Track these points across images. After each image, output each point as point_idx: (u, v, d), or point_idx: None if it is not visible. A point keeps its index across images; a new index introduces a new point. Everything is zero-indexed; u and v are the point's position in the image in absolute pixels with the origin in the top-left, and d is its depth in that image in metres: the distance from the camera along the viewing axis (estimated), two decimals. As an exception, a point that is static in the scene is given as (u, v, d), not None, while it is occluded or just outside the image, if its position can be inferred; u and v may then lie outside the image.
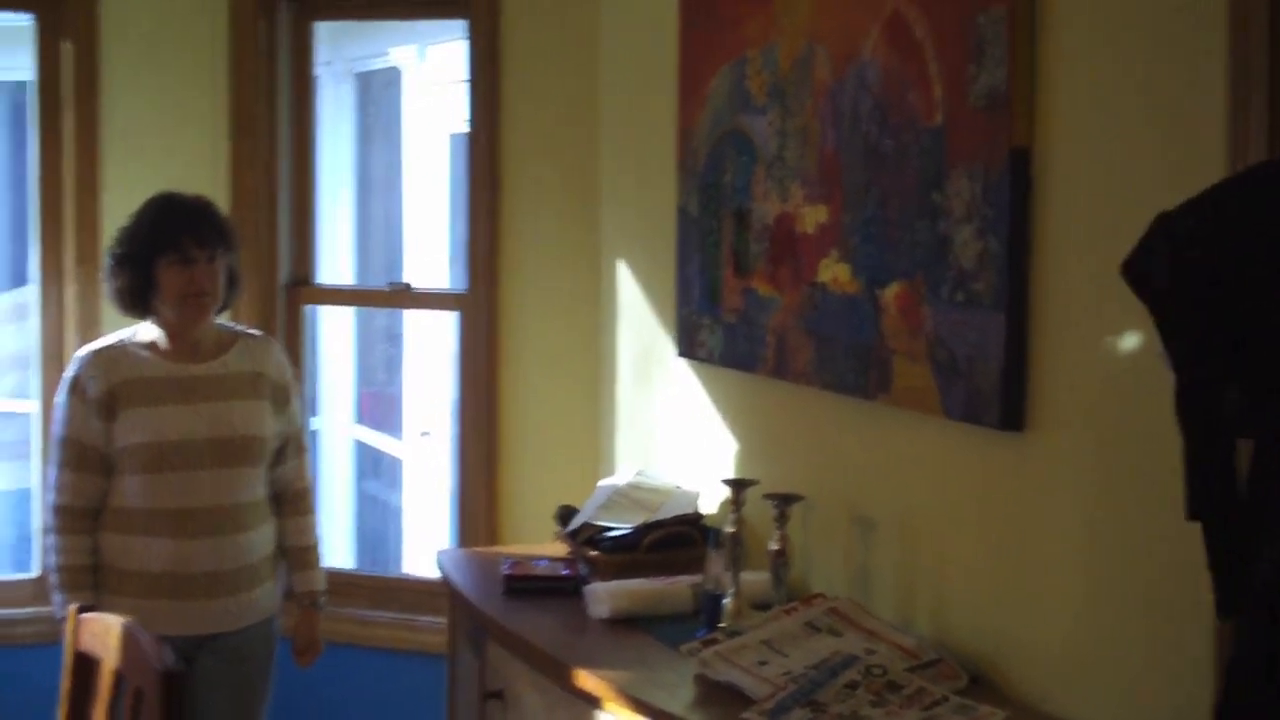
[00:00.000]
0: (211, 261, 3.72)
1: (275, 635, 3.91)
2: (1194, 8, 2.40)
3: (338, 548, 6.49)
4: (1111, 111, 2.57)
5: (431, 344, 5.98)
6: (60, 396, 3.76)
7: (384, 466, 6.81)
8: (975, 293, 2.80)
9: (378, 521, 6.85)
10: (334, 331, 6.62)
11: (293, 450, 3.88)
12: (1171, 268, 1.90)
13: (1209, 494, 1.85)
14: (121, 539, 3.69)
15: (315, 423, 6.64)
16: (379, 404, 6.96)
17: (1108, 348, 2.52)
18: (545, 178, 4.34)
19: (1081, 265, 2.60)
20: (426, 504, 6.10)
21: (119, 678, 2.75)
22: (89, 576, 3.68)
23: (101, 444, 3.67)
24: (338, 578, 4.48)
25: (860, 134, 3.12)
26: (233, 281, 3.82)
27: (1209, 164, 2.28)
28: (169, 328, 3.75)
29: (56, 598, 3.62)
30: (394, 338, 6.76)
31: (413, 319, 6.34)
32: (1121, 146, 2.54)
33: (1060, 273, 2.66)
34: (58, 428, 3.74)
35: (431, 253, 6.18)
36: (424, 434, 6.16)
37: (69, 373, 3.77)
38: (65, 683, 2.84)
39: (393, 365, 6.79)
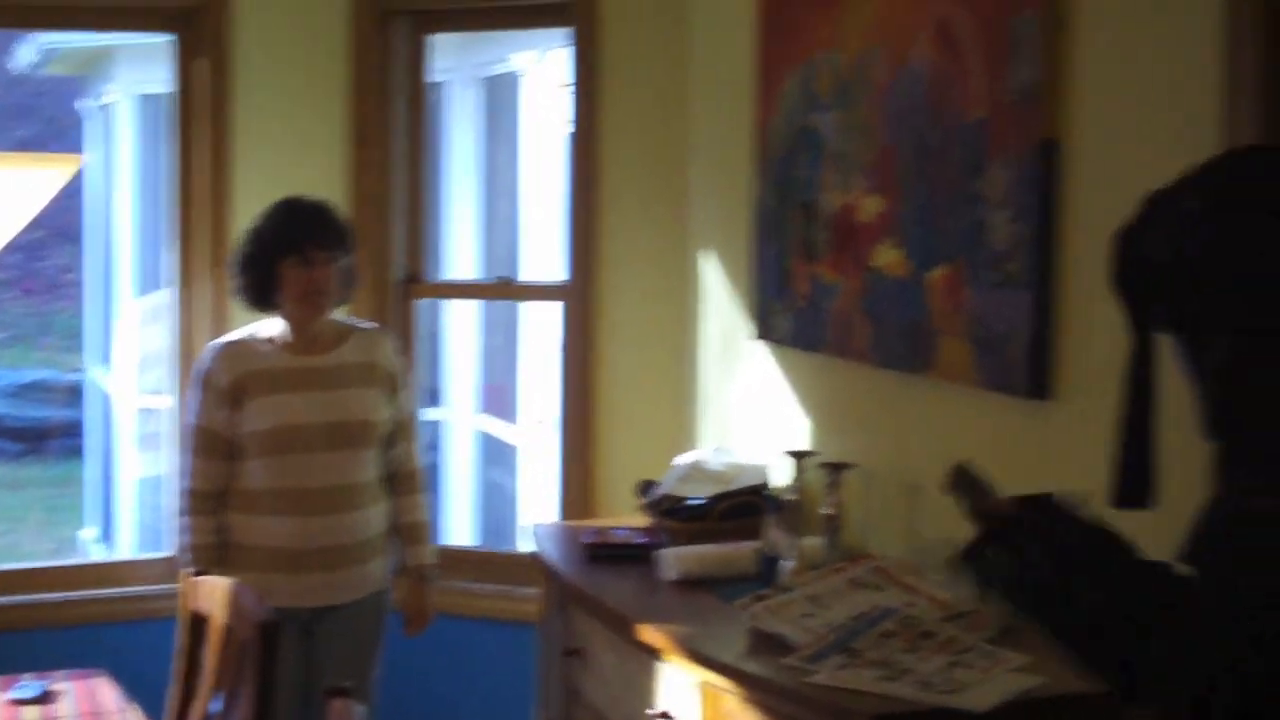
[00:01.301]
0: (329, 263, 4.01)
1: (387, 606, 4.18)
2: (1195, 8, 2.62)
3: (460, 529, 6.83)
4: (1129, 105, 2.79)
5: (546, 336, 6.26)
6: (192, 388, 4.09)
7: (504, 454, 7.11)
8: (1008, 273, 3.02)
9: (499, 505, 7.16)
10: (459, 327, 6.96)
11: (403, 435, 4.16)
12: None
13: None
14: (246, 518, 3.99)
15: (440, 413, 6.98)
16: (500, 395, 7.26)
17: (1125, 323, 2.72)
18: (639, 175, 4.59)
19: (1104, 247, 2.79)
20: (541, 487, 6.39)
21: (226, 631, 3.05)
22: (216, 553, 3.99)
23: (228, 432, 3.98)
24: (447, 552, 4.79)
25: (911, 129, 3.35)
26: (349, 280, 4.12)
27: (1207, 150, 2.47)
28: (290, 322, 4.04)
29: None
30: (512, 332, 7.05)
31: (531, 313, 6.63)
32: (1137, 136, 2.76)
33: (1085, 254, 2.87)
34: (190, 417, 4.06)
35: (549, 247, 6.46)
36: (539, 421, 6.45)
37: (199, 366, 4.08)
38: (182, 637, 3.15)
39: (511, 357, 7.08)
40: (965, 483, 2.29)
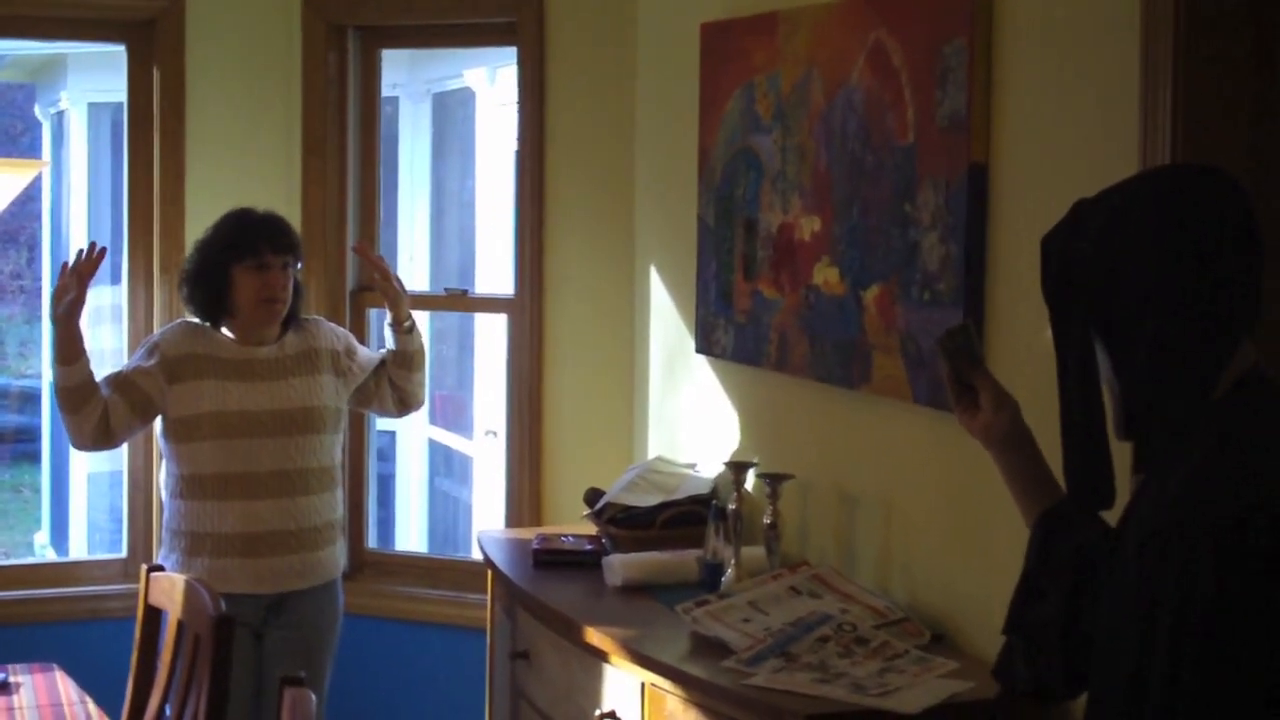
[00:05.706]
0: (284, 268, 4.11)
1: (339, 601, 4.25)
2: (1114, 42, 2.75)
3: (412, 537, 6.92)
4: (1053, 131, 2.92)
5: (498, 349, 6.35)
6: (139, 348, 4.19)
7: (455, 464, 7.21)
8: (938, 292, 3.15)
9: (449, 515, 7.26)
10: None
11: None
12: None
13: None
14: (197, 504, 4.04)
15: (392, 423, 7.07)
16: (452, 406, 7.37)
17: (1049, 339, 2.85)
18: (585, 192, 4.70)
19: (1029, 267, 2.91)
20: (491, 498, 6.49)
21: (181, 626, 3.15)
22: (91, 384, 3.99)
23: (152, 391, 4.03)
24: (395, 559, 4.90)
25: (847, 151, 3.48)
26: (298, 292, 4.21)
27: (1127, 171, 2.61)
28: (241, 329, 4.13)
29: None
30: (468, 344, 7.15)
31: (483, 325, 6.73)
32: (1060, 161, 2.89)
33: (1011, 273, 3.00)
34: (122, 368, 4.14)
35: (500, 260, 6.56)
36: (490, 433, 6.55)
37: (155, 335, 4.19)
38: (138, 632, 3.25)
39: (464, 369, 7.18)
40: (957, 348, 2.41)
